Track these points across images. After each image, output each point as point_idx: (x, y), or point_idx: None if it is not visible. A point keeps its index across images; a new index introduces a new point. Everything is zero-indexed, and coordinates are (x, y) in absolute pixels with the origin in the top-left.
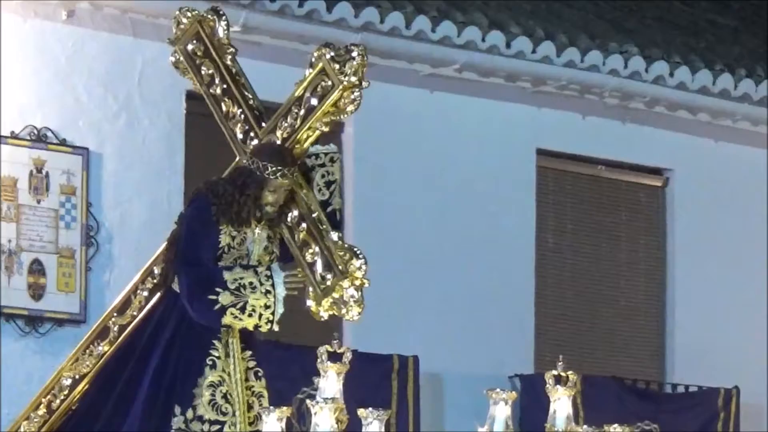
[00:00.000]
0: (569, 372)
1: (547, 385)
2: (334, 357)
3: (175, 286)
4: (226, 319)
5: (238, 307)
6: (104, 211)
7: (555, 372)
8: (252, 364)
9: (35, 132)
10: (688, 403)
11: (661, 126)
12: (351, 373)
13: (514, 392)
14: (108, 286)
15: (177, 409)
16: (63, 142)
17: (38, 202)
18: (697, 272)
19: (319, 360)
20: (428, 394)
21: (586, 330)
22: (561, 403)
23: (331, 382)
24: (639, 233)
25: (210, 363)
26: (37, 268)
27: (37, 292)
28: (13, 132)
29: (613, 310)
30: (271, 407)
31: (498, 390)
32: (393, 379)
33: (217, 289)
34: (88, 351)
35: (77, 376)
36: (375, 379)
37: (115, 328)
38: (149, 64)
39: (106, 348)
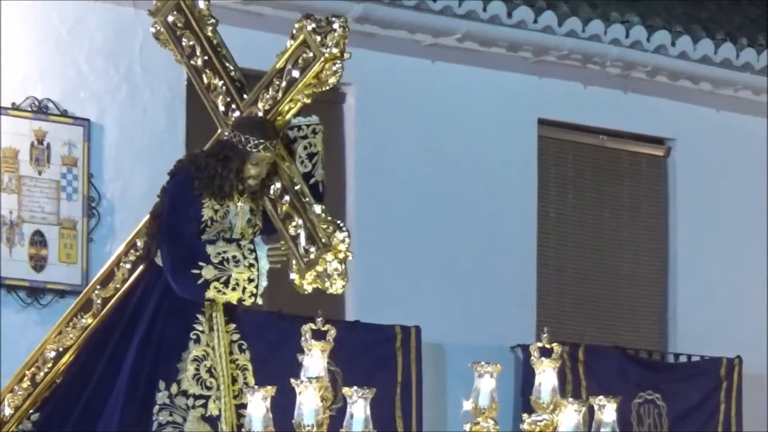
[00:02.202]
0: (554, 344)
1: (532, 357)
2: (318, 335)
3: (158, 260)
4: (210, 293)
5: (221, 281)
6: (105, 182)
7: (540, 344)
8: (236, 336)
9: (36, 103)
10: (691, 373)
11: (663, 95)
12: (354, 344)
13: (498, 365)
14: (110, 257)
15: (161, 384)
16: (64, 114)
17: (39, 173)
18: (700, 242)
19: (303, 338)
20: (431, 365)
21: (588, 300)
22: (546, 375)
23: (315, 360)
24: (641, 203)
25: (194, 337)
26: (38, 240)
27: (38, 263)
28: (14, 103)
29: (616, 280)
30: (256, 386)
31: (482, 363)
32: (396, 350)
33: (201, 263)
34: (71, 324)
35: (61, 349)
36: (378, 349)
37: (98, 301)
38: (150, 35)
39: (89, 320)
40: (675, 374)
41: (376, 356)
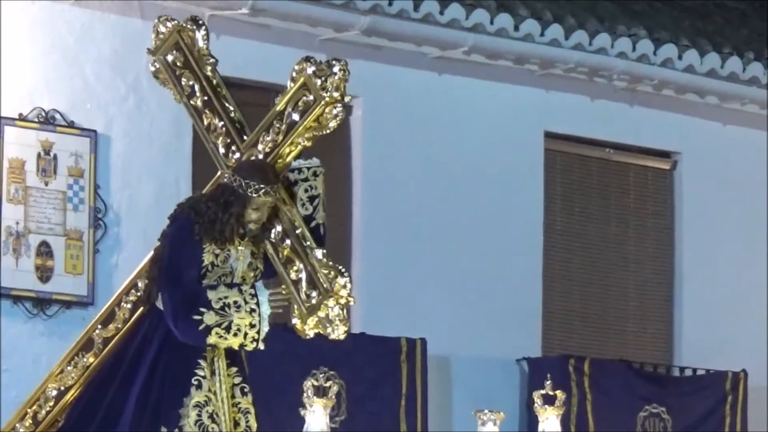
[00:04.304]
0: (557, 391)
1: (536, 404)
2: (321, 391)
3: (159, 304)
4: (211, 339)
5: (223, 326)
6: (112, 194)
7: (543, 391)
8: (238, 380)
9: (43, 114)
10: (696, 387)
11: (670, 109)
12: (359, 356)
13: (502, 413)
14: (116, 268)
15: (163, 430)
16: (71, 124)
17: (46, 184)
18: (706, 255)
19: (304, 395)
20: (436, 377)
21: (594, 313)
22: (549, 422)
23: (317, 417)
24: (647, 216)
25: (196, 383)
26: (44, 251)
27: (44, 274)
28: (21, 114)
29: (621, 293)
30: None
31: (486, 411)
32: (402, 362)
33: (202, 309)
34: (73, 362)
35: (63, 388)
36: (383, 362)
37: (99, 341)
38: None
39: (91, 360)
40: (680, 388)
41: (381, 368)
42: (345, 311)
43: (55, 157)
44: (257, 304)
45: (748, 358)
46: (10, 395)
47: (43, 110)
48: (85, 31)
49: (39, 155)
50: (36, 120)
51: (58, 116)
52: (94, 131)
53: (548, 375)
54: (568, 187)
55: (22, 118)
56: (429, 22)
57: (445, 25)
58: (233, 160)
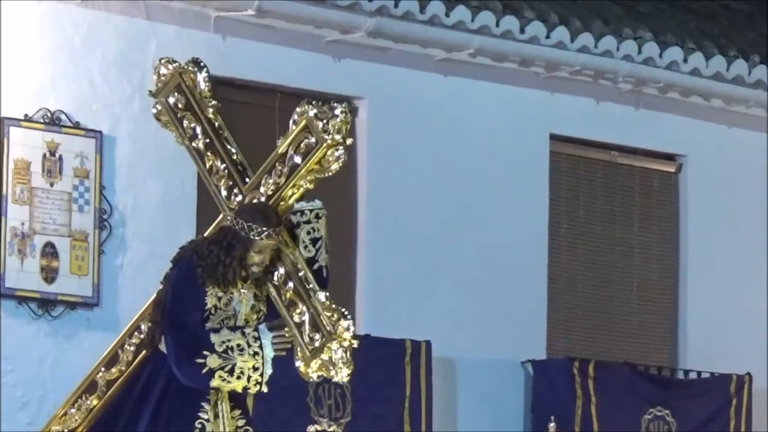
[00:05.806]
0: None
1: None
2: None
3: (162, 348)
4: (215, 382)
5: (226, 369)
6: (117, 195)
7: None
8: (241, 422)
9: (49, 115)
10: (701, 390)
11: (675, 112)
12: (363, 358)
13: None
14: (121, 269)
15: None
16: (77, 125)
17: (51, 185)
18: (710, 258)
19: None
20: (441, 379)
21: (599, 315)
22: None
23: None
24: (652, 219)
25: (199, 426)
26: (49, 251)
27: (49, 275)
28: (26, 115)
29: (626, 295)
30: None
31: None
32: (406, 364)
33: (205, 353)
34: (76, 405)
35: (66, 430)
36: (388, 363)
37: (103, 383)
38: (163, 47)
39: (94, 402)
40: (685, 390)
41: (386, 370)
42: (348, 354)
43: (60, 158)
44: (260, 347)
45: (753, 361)
46: (16, 395)
47: (49, 111)
48: (90, 32)
49: (44, 156)
50: (41, 121)
51: (63, 117)
52: (100, 132)
53: (552, 417)
54: (573, 190)
55: (27, 118)
56: (435, 24)
57: (451, 27)
58: (235, 203)
